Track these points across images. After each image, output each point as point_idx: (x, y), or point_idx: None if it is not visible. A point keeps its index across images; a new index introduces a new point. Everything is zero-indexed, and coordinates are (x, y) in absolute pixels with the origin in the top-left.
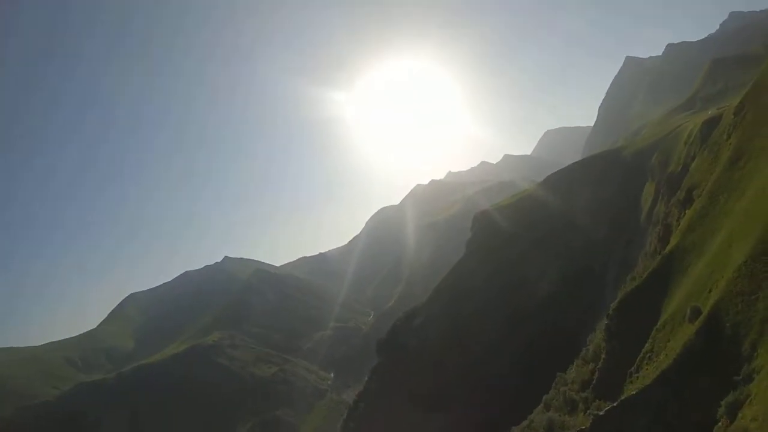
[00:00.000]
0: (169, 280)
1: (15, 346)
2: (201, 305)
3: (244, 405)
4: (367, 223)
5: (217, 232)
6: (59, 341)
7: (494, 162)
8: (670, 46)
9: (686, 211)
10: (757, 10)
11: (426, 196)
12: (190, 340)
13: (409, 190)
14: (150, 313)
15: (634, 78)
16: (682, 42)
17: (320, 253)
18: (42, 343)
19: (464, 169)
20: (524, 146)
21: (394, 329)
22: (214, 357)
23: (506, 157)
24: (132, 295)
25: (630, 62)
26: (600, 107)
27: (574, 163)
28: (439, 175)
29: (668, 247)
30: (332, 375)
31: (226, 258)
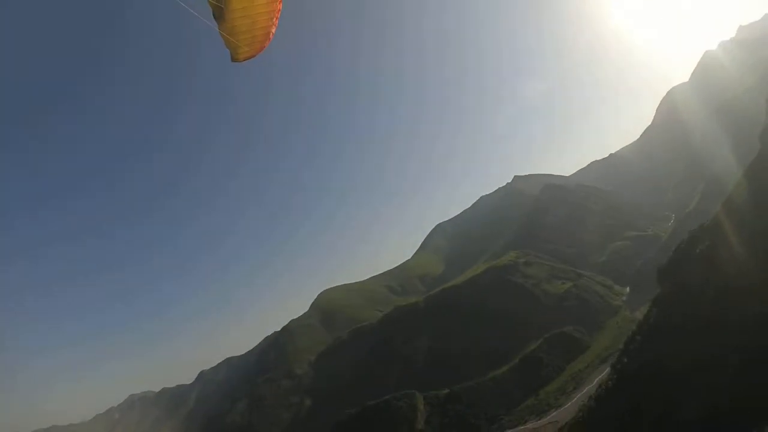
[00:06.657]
0: (468, 207)
1: (348, 282)
2: (497, 227)
3: (534, 322)
4: (657, 110)
5: (505, 152)
6: (382, 273)
7: None
8: None
9: None
10: None
11: (721, 64)
12: (489, 261)
13: (698, 61)
14: (454, 240)
15: None
16: None
17: (610, 155)
18: (368, 277)
19: None
20: None
21: (676, 257)
22: (508, 276)
23: None
24: (438, 225)
25: None
26: None
27: None
28: (730, 34)
29: None
30: (628, 290)
31: (515, 177)
